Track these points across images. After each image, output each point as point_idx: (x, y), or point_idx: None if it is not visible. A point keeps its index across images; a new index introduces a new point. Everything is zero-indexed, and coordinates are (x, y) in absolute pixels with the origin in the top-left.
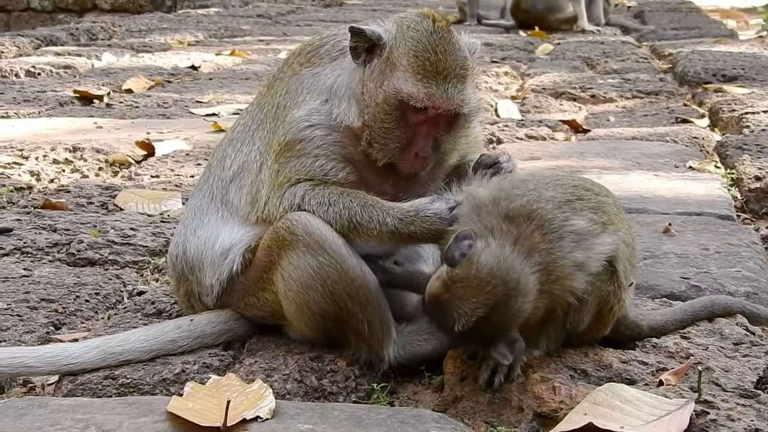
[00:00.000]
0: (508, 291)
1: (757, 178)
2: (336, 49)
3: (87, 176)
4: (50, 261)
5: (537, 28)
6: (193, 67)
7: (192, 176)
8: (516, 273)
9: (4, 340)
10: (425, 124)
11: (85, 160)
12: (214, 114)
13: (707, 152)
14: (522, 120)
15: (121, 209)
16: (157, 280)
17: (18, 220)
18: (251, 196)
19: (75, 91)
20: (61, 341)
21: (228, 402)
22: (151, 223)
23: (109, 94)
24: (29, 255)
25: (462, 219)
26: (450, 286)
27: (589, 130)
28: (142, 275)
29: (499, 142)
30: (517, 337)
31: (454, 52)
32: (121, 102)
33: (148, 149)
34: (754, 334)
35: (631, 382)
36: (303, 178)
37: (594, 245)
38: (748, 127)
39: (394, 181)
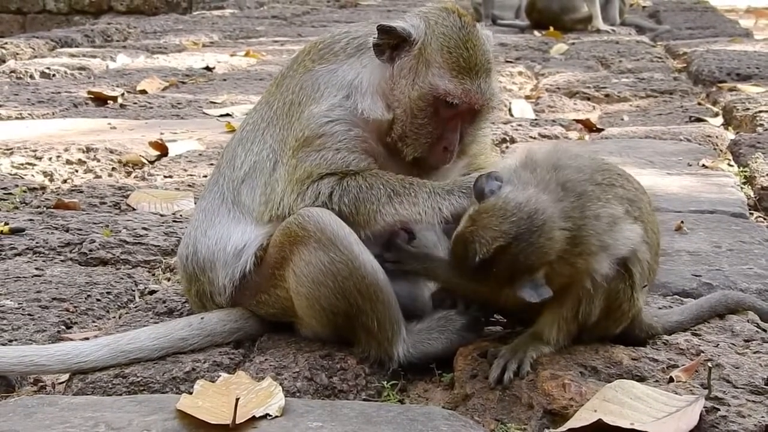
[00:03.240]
0: (532, 227)
1: None
2: (352, 46)
3: (100, 176)
4: (62, 260)
5: (552, 28)
6: (207, 68)
7: (205, 176)
8: (544, 215)
9: (16, 339)
10: (455, 119)
11: (99, 161)
12: (227, 114)
13: (721, 151)
14: (536, 119)
15: (134, 209)
16: (168, 280)
17: (30, 220)
18: (265, 196)
19: (89, 92)
20: (72, 340)
21: (237, 399)
22: (163, 222)
23: (123, 95)
24: (41, 255)
25: (513, 171)
26: (475, 218)
27: (602, 129)
28: (153, 274)
29: (513, 141)
30: (542, 282)
31: (481, 46)
32: (135, 103)
33: (162, 149)
34: (765, 331)
35: (641, 379)
36: (325, 173)
37: (623, 231)
38: (761, 125)
39: (417, 174)
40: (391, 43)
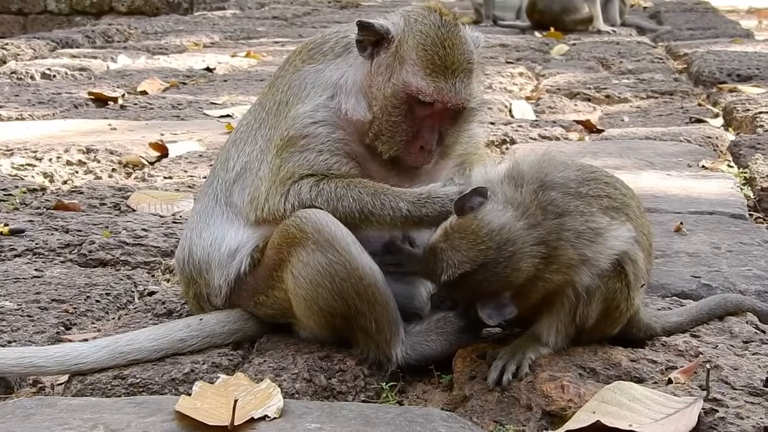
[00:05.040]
0: (499, 257)
1: None
2: (340, 46)
3: (100, 177)
4: (62, 262)
5: (552, 29)
6: (208, 69)
7: (204, 177)
8: (514, 246)
9: (15, 340)
10: (431, 118)
11: (99, 162)
12: (228, 115)
13: (721, 152)
14: (536, 120)
15: (134, 210)
16: (168, 281)
17: (30, 221)
18: (251, 195)
19: (90, 93)
20: (71, 341)
21: (235, 401)
22: (163, 223)
23: (123, 95)
24: (41, 256)
25: (497, 184)
26: (449, 234)
27: (603, 130)
28: (153, 276)
29: (513, 142)
30: (507, 302)
31: (461, 45)
32: (135, 104)
33: (162, 150)
34: (764, 332)
35: (640, 381)
36: (306, 173)
37: (606, 241)
38: (761, 126)
39: (398, 173)
40: (372, 40)
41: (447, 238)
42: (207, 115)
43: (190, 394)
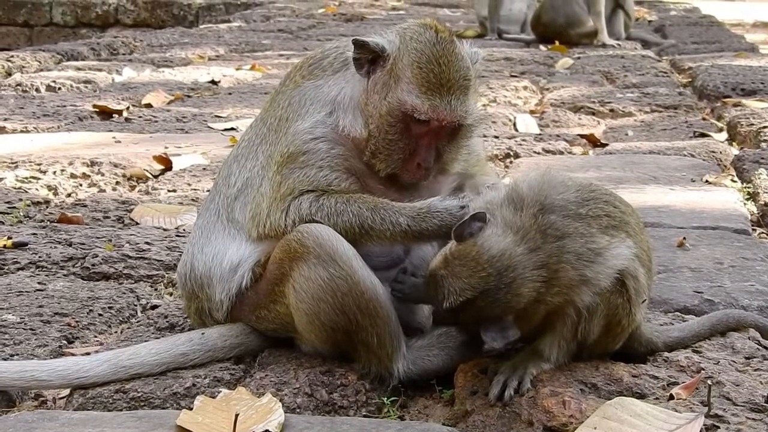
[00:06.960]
0: (500, 284)
1: None
2: (338, 61)
3: (104, 190)
4: (65, 275)
5: (557, 43)
6: (212, 82)
7: (208, 190)
8: (514, 272)
9: (17, 354)
10: (428, 135)
11: (103, 175)
12: (232, 128)
13: (724, 166)
14: (540, 134)
15: (137, 223)
16: (170, 294)
17: (34, 234)
18: (253, 212)
19: (94, 106)
20: (73, 355)
21: (236, 416)
22: (166, 237)
23: (128, 108)
24: (44, 269)
25: (497, 207)
26: (449, 261)
27: (607, 144)
28: (156, 289)
29: (517, 156)
30: (510, 324)
31: (457, 62)
32: (140, 116)
33: (166, 164)
34: (766, 348)
35: (641, 396)
36: (306, 189)
37: (607, 260)
38: (766, 141)
39: (398, 189)
40: (368, 58)
41: (447, 265)
42: (211, 128)
43: (191, 409)
